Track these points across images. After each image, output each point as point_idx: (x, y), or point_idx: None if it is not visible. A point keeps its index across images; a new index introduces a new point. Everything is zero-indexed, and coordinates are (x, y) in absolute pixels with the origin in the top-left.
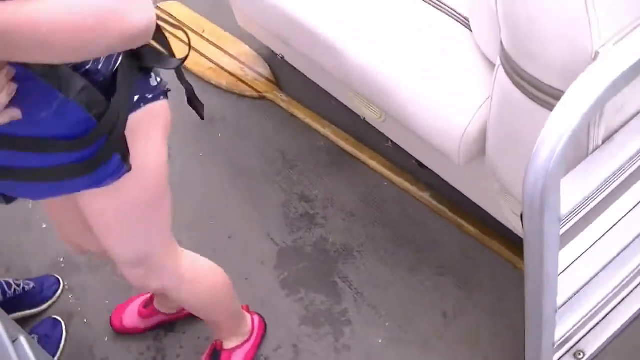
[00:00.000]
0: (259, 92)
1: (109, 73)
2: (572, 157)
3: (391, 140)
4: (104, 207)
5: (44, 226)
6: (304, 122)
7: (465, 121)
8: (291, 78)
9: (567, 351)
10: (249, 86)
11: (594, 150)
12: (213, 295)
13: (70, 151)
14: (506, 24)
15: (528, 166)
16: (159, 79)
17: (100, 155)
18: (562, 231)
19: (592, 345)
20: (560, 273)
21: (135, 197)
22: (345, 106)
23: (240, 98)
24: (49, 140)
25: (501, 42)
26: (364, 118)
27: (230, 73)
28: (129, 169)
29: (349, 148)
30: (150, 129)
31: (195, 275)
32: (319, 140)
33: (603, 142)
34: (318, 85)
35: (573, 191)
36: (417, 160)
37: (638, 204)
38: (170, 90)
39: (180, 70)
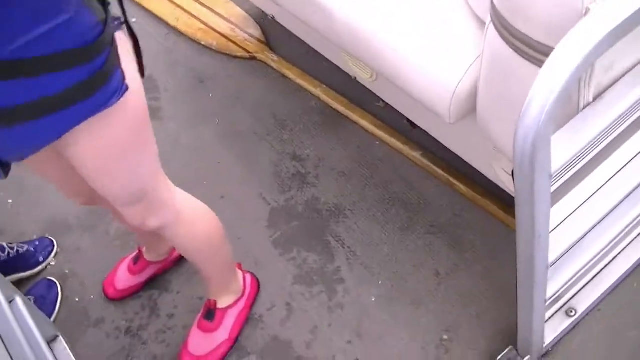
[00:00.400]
0: (250, 52)
1: None
2: (562, 115)
3: (383, 100)
4: (94, 146)
5: (38, 188)
6: (295, 83)
7: (456, 79)
8: (282, 39)
9: (559, 309)
10: (240, 47)
11: (585, 107)
12: (207, 236)
13: (89, 59)
14: None
15: (518, 123)
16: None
17: (109, 66)
18: (553, 188)
19: (583, 303)
20: (552, 230)
21: (122, 123)
22: (337, 66)
23: (231, 59)
24: (69, 51)
25: None
26: (355, 78)
27: (220, 34)
28: (127, 88)
29: (341, 108)
30: (123, 53)
31: (191, 213)
32: (310, 101)
33: (594, 100)
34: (309, 46)
35: (563, 148)
36: (408, 120)
37: (629, 162)
38: (124, 24)
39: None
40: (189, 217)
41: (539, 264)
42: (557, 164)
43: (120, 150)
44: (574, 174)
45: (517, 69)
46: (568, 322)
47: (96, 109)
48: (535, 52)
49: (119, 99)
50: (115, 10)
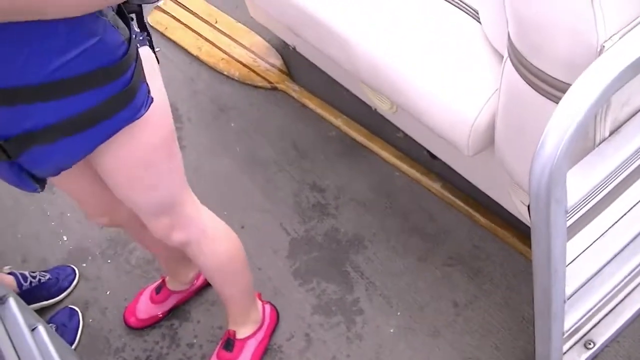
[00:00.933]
0: (272, 82)
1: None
2: (578, 149)
3: (402, 131)
4: (123, 156)
5: (60, 217)
6: (315, 113)
7: (474, 113)
8: (303, 69)
9: (578, 341)
10: (262, 77)
11: (601, 142)
12: (230, 257)
13: (117, 76)
14: (513, 16)
15: (534, 158)
16: (137, 29)
17: (135, 80)
18: (569, 222)
19: (602, 335)
20: (569, 264)
21: (149, 136)
22: (357, 97)
23: (253, 89)
24: (100, 70)
25: (508, 35)
26: (375, 109)
27: (242, 64)
28: (152, 100)
29: (361, 138)
30: (149, 69)
31: (216, 232)
32: (331, 131)
33: (610, 135)
34: (329, 76)
35: (580, 183)
36: (428, 151)
37: None
38: (150, 39)
39: (142, 17)
40: (213, 235)
41: (556, 297)
42: (573, 199)
43: (149, 160)
44: (591, 207)
45: (533, 104)
46: (587, 354)
47: (126, 121)
48: (551, 88)
49: (147, 110)
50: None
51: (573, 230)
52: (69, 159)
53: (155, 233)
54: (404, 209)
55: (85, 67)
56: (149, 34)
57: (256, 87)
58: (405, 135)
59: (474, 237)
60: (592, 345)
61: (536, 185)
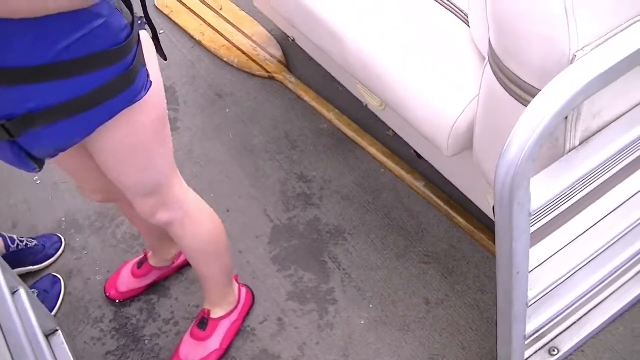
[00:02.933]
0: (269, 72)
1: None
2: (549, 156)
3: (392, 130)
4: (117, 137)
5: (54, 187)
6: (309, 105)
7: (455, 114)
8: (301, 61)
9: (542, 347)
10: (260, 66)
11: (570, 151)
12: (211, 239)
13: (119, 59)
14: (493, 20)
15: (500, 159)
16: (136, 14)
17: (136, 64)
18: (535, 227)
19: (567, 343)
20: (534, 269)
21: (145, 118)
22: (350, 93)
23: (251, 77)
24: (102, 53)
25: (489, 39)
26: (367, 105)
27: (243, 52)
28: (151, 83)
29: (351, 133)
30: (146, 52)
31: (200, 214)
32: (323, 124)
33: (580, 144)
34: (325, 70)
35: (545, 188)
36: (415, 151)
37: (617, 208)
38: (147, 23)
39: (146, 11)
40: (197, 217)
41: (518, 300)
42: (538, 203)
43: (141, 142)
44: (558, 215)
45: (508, 109)
46: None
47: (127, 103)
48: (525, 93)
49: (147, 93)
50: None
51: (539, 235)
52: (68, 140)
53: (141, 212)
54: (386, 205)
55: (90, 48)
56: (148, 18)
57: (254, 75)
58: (395, 134)
59: (452, 237)
60: (556, 352)
61: (500, 186)
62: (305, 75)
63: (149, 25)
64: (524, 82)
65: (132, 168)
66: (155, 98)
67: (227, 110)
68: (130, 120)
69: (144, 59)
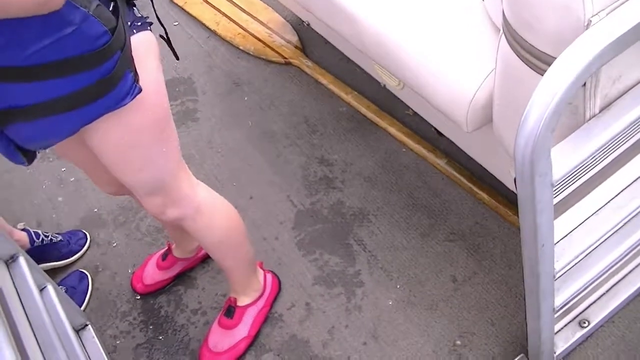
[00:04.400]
0: (285, 58)
1: None
2: (568, 127)
3: (411, 109)
4: (112, 139)
5: (76, 184)
6: (327, 88)
7: (473, 88)
8: (317, 45)
9: (573, 319)
10: (276, 52)
11: (591, 119)
12: (227, 231)
13: (95, 65)
14: None
15: (518, 132)
16: (141, 13)
17: (118, 70)
18: (558, 198)
19: (597, 315)
20: (559, 241)
21: (139, 120)
22: (368, 74)
23: (267, 64)
24: (75, 58)
25: (503, 11)
26: (385, 85)
27: (258, 39)
28: (140, 89)
29: (370, 114)
30: (145, 54)
31: (212, 208)
32: (341, 106)
33: (600, 112)
34: (342, 53)
35: (566, 158)
36: (435, 129)
37: None
38: (152, 23)
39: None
40: (209, 211)
41: (544, 273)
42: (559, 173)
43: (137, 143)
44: (581, 185)
45: (526, 80)
46: (580, 332)
47: (107, 109)
48: (541, 62)
49: (132, 99)
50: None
51: (563, 206)
52: (52, 136)
53: (149, 210)
54: (409, 185)
55: (60, 54)
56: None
57: (270, 62)
58: (414, 113)
59: (477, 214)
60: (586, 324)
61: (520, 159)
62: (321, 59)
63: (160, 24)
64: (540, 51)
65: (130, 167)
66: (151, 100)
67: (246, 98)
68: (122, 122)
69: (132, 64)
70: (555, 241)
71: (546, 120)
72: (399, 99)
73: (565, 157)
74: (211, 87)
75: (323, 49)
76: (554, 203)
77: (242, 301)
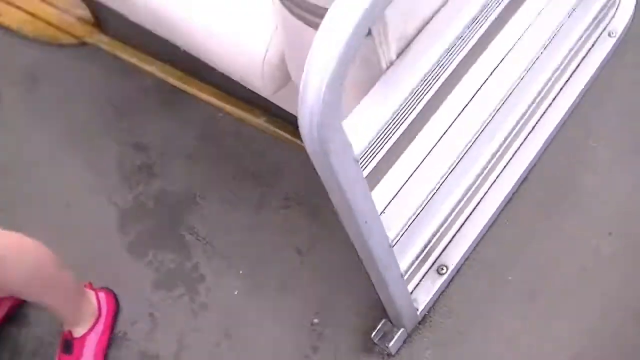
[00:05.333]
0: (78, 37)
1: None
2: (365, 78)
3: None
4: None
5: None
6: (129, 63)
7: (261, 51)
8: (112, 18)
9: (428, 270)
10: (67, 32)
11: (389, 67)
12: (35, 270)
13: None
14: None
15: (299, 109)
16: None
17: None
18: (369, 169)
19: (453, 257)
20: (385, 208)
21: None
22: (166, 40)
23: (60, 48)
24: None
25: None
26: (184, 50)
27: (47, 22)
28: None
29: (177, 82)
30: None
31: (7, 253)
32: (146, 80)
33: (397, 57)
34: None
35: (365, 125)
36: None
37: (457, 117)
38: None
39: None
40: (14, 257)
41: (378, 247)
42: (361, 146)
43: None
44: (393, 145)
45: (305, 37)
46: (441, 280)
47: None
48: (316, 17)
49: None
50: None
51: (379, 173)
52: None
53: None
54: (232, 153)
55: None
56: None
57: (63, 45)
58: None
59: (307, 170)
60: (445, 270)
61: (309, 140)
62: (119, 33)
63: None
64: (309, 3)
65: None
66: None
67: (47, 93)
68: None
69: None
70: (380, 211)
71: (327, 90)
72: (201, 60)
73: (363, 125)
74: (8, 89)
75: (119, 21)
76: (365, 176)
77: (78, 332)
